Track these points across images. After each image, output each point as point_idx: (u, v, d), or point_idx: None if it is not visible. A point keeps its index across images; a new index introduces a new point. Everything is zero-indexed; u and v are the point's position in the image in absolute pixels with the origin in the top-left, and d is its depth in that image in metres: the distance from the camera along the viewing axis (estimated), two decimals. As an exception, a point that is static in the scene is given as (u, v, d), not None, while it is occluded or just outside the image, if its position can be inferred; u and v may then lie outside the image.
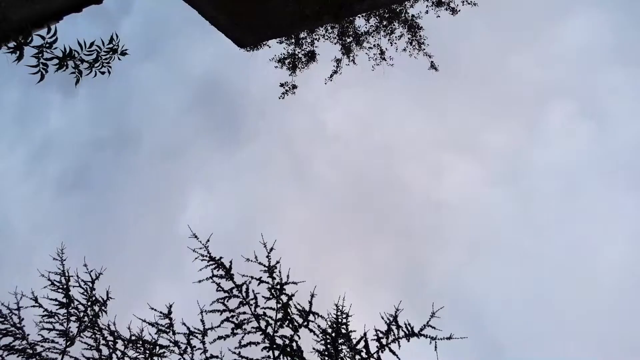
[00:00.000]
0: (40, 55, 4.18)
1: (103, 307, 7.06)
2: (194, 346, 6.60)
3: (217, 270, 6.68)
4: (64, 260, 7.10)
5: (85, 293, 7.07)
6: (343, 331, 6.54)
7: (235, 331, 6.46)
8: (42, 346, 6.70)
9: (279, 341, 6.48)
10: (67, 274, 7.05)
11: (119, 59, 4.43)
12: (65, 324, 6.85)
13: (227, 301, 6.62)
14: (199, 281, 6.71)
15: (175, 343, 6.67)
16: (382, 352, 6.34)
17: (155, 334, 6.72)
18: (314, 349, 6.54)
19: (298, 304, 6.58)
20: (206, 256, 6.70)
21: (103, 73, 4.38)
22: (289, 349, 6.46)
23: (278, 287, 6.59)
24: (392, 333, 6.38)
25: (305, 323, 6.51)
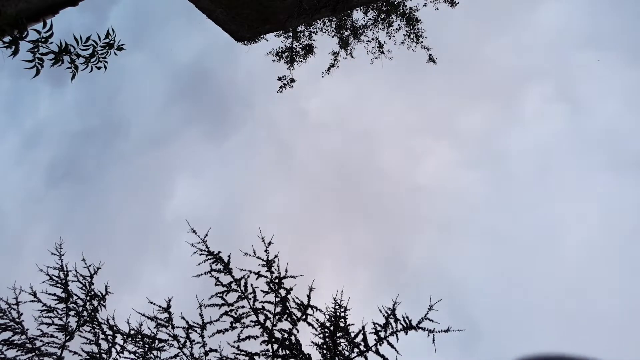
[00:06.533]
0: (35, 50, 4.15)
1: (102, 302, 7.07)
2: (193, 340, 6.63)
3: (216, 265, 6.69)
4: (63, 254, 7.11)
5: (83, 288, 7.08)
6: (341, 324, 6.58)
7: (234, 325, 6.49)
8: (41, 341, 6.72)
9: (277, 335, 6.52)
10: (65, 269, 7.06)
11: (115, 54, 4.41)
12: (64, 319, 6.87)
13: (226, 295, 6.64)
14: (198, 275, 6.73)
15: (175, 337, 6.70)
16: (380, 345, 6.38)
17: (155, 327, 6.75)
18: (312, 342, 6.58)
19: (297, 297, 6.61)
20: (204, 250, 6.72)
21: (99, 68, 4.36)
22: (287, 343, 6.49)
23: (276, 281, 6.61)
24: (390, 326, 6.42)
25: (304, 317, 6.54)
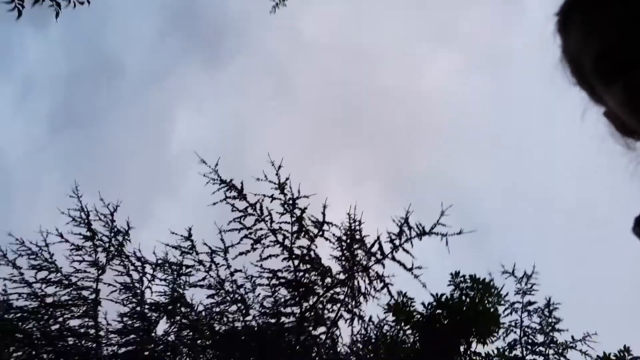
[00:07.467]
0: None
1: (126, 236, 7.34)
2: (218, 263, 6.97)
3: (230, 192, 6.82)
4: (80, 196, 7.26)
5: (106, 225, 7.32)
6: (357, 237, 6.83)
7: (254, 246, 6.77)
8: (76, 276, 7.12)
9: (297, 252, 6.81)
10: (85, 209, 7.25)
11: (96, -15, 4.16)
12: (93, 255, 7.20)
13: (243, 220, 6.84)
14: (214, 203, 6.88)
15: (200, 262, 7.03)
16: (396, 252, 6.67)
17: (180, 255, 7.07)
18: (331, 255, 6.88)
19: (312, 215, 6.79)
20: (217, 179, 6.80)
21: (82, 3, 4.13)
22: (307, 258, 6.80)
23: (290, 202, 6.76)
24: (404, 234, 6.65)
25: (321, 233, 6.78)
